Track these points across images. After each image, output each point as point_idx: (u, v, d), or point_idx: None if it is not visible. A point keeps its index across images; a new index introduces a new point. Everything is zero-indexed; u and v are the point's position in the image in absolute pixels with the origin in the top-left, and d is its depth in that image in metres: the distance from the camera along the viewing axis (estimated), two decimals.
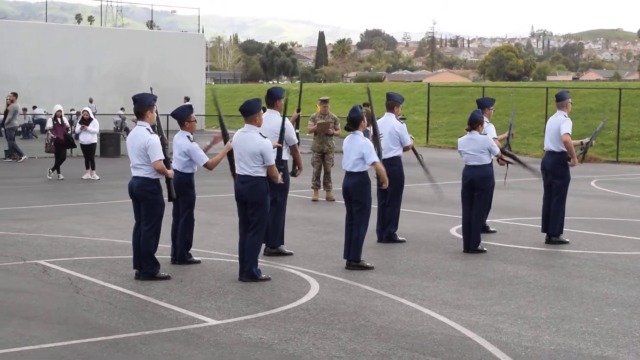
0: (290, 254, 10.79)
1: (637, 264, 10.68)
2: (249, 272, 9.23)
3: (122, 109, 39.58)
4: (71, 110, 35.39)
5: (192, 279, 9.37)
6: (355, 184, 10.00)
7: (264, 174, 9.25)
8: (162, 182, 9.35)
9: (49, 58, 42.48)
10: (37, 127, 38.13)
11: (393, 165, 11.62)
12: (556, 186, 12.07)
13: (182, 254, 10.17)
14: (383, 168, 10.27)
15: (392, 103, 12.09)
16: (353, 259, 10.02)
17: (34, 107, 38.83)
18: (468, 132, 11.39)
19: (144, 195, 9.26)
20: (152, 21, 61.99)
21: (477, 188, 11.30)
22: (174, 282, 9.19)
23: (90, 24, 70.51)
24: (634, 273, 10.06)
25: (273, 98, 10.61)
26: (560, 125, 11.94)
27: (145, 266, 9.26)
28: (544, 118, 34.17)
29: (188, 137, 10.04)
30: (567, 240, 12.00)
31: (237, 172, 9.39)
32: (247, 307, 8.13)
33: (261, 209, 9.27)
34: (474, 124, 11.33)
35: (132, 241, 9.43)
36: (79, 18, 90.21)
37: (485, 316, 7.93)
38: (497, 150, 11.43)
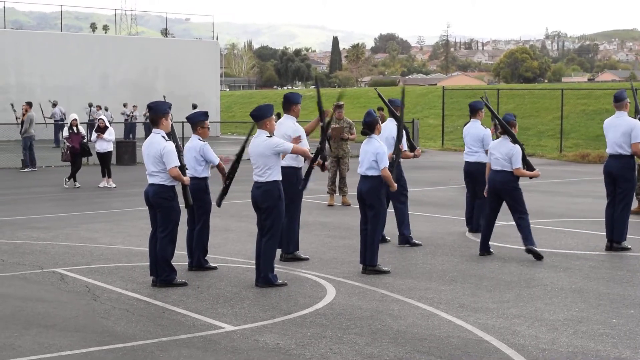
0: (307, 259, 10.80)
1: None
2: (265, 277, 9.25)
3: (125, 105, 40.05)
4: (106, 109, 36.81)
5: (209, 285, 9.40)
6: (369, 189, 9.99)
7: (277, 178, 9.27)
8: (178, 189, 9.40)
9: (65, 67, 42.73)
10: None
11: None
12: (622, 191, 11.54)
13: (199, 261, 10.21)
14: (389, 174, 10.01)
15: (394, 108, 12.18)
16: (369, 264, 10.02)
17: (92, 107, 38.66)
18: (503, 137, 11.17)
19: (159, 202, 9.31)
20: (166, 29, 62.23)
21: (498, 194, 11.17)
22: (191, 288, 9.22)
23: (105, 32, 70.88)
24: None
25: (290, 103, 10.66)
26: (632, 131, 11.38)
27: (162, 273, 9.29)
28: (559, 120, 34.13)
29: (199, 139, 10.19)
30: (630, 246, 11.58)
31: (254, 179, 9.41)
32: (264, 313, 8.14)
33: (274, 214, 9.29)
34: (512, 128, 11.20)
35: (149, 248, 9.48)
36: (93, 27, 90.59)
37: (502, 319, 7.90)
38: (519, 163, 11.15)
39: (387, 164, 9.98)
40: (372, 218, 10.01)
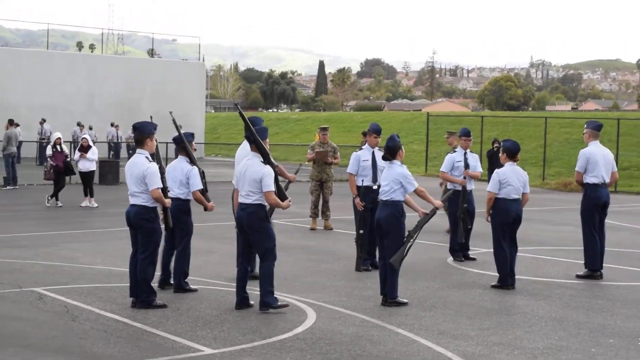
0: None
1: (635, 295, 10.67)
2: (263, 301, 9.13)
3: (112, 124, 40.02)
4: (90, 128, 37.00)
5: (189, 307, 9.35)
6: (388, 215, 9.69)
7: (262, 201, 9.19)
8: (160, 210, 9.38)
9: (51, 85, 42.62)
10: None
11: (374, 193, 11.59)
12: (604, 219, 11.95)
13: (179, 283, 10.17)
14: (426, 194, 9.78)
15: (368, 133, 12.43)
16: (389, 296, 9.70)
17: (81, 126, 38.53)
18: (509, 163, 11.04)
19: (141, 223, 9.27)
20: (152, 49, 62.27)
21: (518, 222, 11.05)
22: (171, 310, 9.17)
23: (92, 51, 70.81)
24: (632, 304, 10.04)
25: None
26: (613, 161, 11.95)
27: (141, 294, 9.25)
28: (542, 148, 34.35)
29: (187, 162, 10.18)
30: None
31: (239, 200, 9.33)
32: (243, 336, 8.11)
33: (263, 235, 9.17)
34: (517, 154, 11.09)
35: (129, 269, 9.43)
36: (80, 46, 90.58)
37: (482, 346, 7.90)
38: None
39: (415, 186, 9.69)
40: (389, 247, 9.70)
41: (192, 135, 10.63)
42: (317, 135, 17.24)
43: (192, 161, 10.29)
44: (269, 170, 9.08)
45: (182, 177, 10.13)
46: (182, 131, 10.25)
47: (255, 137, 9.22)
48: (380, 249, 9.95)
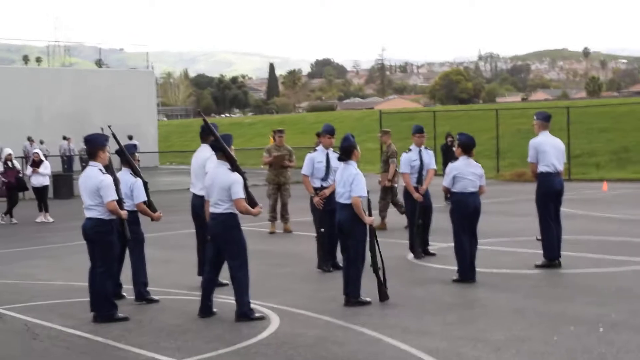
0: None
1: (592, 281, 10.83)
2: (241, 312, 9.02)
3: (64, 137, 39.57)
4: (41, 142, 36.51)
5: (151, 318, 9.29)
6: (349, 217, 9.66)
7: (233, 210, 9.03)
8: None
9: None
10: None
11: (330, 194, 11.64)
12: (559, 207, 12.11)
13: (140, 293, 10.11)
14: (359, 204, 9.66)
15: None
16: (352, 296, 9.70)
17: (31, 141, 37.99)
18: (464, 157, 11.11)
19: (97, 236, 9.19)
20: (100, 59, 61.81)
21: (477, 216, 11.17)
22: (133, 322, 9.09)
23: (39, 64, 69.95)
24: (590, 291, 10.19)
25: (206, 134, 10.55)
26: (564, 150, 12.15)
27: (102, 308, 9.16)
28: (495, 140, 34.68)
29: (131, 174, 10.18)
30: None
31: (209, 210, 9.19)
32: (207, 345, 8.07)
33: (234, 247, 9.07)
34: (472, 148, 11.18)
35: (89, 283, 9.34)
36: (26, 59, 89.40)
37: (446, 341, 7.96)
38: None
39: (361, 193, 9.62)
40: (352, 248, 9.68)
41: (134, 147, 10.62)
42: (272, 138, 17.21)
43: (136, 173, 10.26)
44: (237, 177, 8.99)
45: (126, 189, 10.05)
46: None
47: (222, 144, 9.16)
48: (343, 249, 9.94)
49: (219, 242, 9.08)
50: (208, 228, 9.24)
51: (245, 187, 9.09)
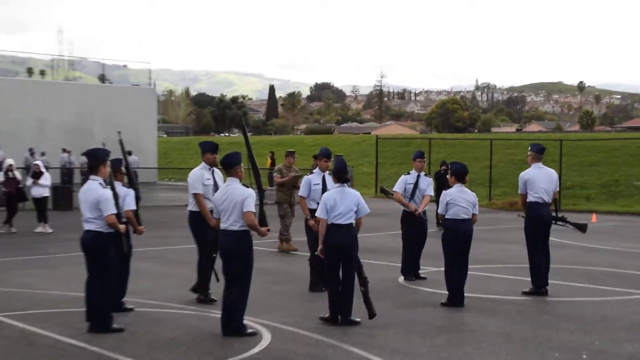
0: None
1: (578, 310, 11.02)
2: (236, 327, 9.17)
3: (65, 150, 39.70)
4: (42, 154, 36.45)
5: (146, 331, 9.45)
6: (354, 239, 9.84)
7: (246, 227, 9.18)
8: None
9: (1, 112, 42.15)
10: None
11: None
12: (548, 237, 12.33)
13: (115, 303, 10.16)
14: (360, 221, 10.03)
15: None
16: (344, 315, 9.85)
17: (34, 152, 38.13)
18: (458, 185, 11.34)
19: (95, 249, 9.35)
20: (103, 75, 61.94)
21: (468, 242, 11.36)
22: (128, 334, 9.25)
23: (42, 77, 70.10)
24: (575, 319, 10.38)
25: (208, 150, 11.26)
26: (556, 181, 12.29)
27: (98, 319, 9.32)
28: (488, 169, 34.96)
29: (123, 185, 10.49)
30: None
31: (221, 226, 9.29)
32: (200, 358, 8.24)
33: (243, 264, 9.25)
34: (465, 176, 11.40)
35: (85, 294, 9.50)
36: (30, 72, 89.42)
37: None
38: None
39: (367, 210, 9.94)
40: (350, 267, 9.83)
41: (120, 161, 10.71)
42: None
43: (132, 184, 10.59)
44: (250, 192, 9.15)
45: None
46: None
47: (253, 159, 9.51)
48: (334, 271, 9.92)
49: (228, 258, 9.21)
50: (220, 244, 9.32)
51: (261, 204, 9.26)
